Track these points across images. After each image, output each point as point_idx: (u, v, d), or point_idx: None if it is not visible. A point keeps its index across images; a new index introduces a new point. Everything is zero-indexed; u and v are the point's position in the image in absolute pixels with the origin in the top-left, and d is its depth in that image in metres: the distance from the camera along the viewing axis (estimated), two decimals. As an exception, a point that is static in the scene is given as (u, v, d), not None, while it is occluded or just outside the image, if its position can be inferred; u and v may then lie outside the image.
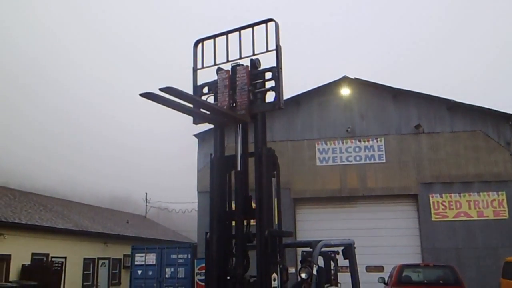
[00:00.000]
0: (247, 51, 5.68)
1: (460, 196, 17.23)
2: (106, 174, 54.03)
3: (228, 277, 5.39)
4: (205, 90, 5.97)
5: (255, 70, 5.66)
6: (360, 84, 18.92)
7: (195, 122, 5.91)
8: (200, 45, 5.99)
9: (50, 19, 68.61)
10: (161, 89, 4.32)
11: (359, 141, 18.38)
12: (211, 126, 6.03)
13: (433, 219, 17.19)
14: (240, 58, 5.70)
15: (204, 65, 5.99)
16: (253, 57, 5.65)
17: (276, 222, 5.60)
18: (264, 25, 5.55)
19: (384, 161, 18.06)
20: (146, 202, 38.26)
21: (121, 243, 24.09)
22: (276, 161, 5.65)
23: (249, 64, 5.63)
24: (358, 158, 18.28)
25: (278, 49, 5.45)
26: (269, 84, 5.69)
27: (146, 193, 38.45)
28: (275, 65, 5.50)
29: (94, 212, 28.48)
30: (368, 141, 18.35)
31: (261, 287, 5.10)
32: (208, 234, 5.56)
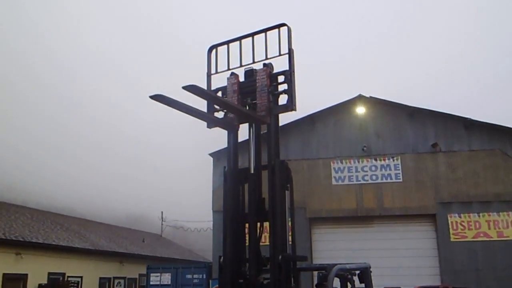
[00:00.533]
0: (260, 55, 5.74)
1: (479, 216, 16.90)
2: (122, 192, 54.35)
3: (241, 280, 5.37)
4: (219, 94, 6.01)
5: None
6: (376, 103, 18.84)
7: (209, 126, 5.91)
8: (214, 50, 6.06)
9: (63, 48, 70.02)
10: (184, 87, 4.36)
11: (375, 160, 18.23)
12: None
13: (451, 239, 16.86)
14: (253, 62, 5.76)
15: (218, 70, 6.05)
16: (266, 61, 5.69)
17: (290, 242, 5.53)
18: (276, 30, 5.61)
19: (401, 180, 17.85)
20: (162, 220, 38.33)
21: (137, 262, 24.09)
22: (289, 173, 5.62)
23: (268, 66, 5.67)
24: (374, 177, 18.10)
25: (290, 53, 5.50)
26: (281, 87, 5.75)
27: (162, 212, 38.56)
28: (287, 68, 5.55)
29: (110, 231, 28.60)
30: (384, 160, 18.19)
31: None
32: (222, 257, 5.52)
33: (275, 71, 5.75)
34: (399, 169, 17.96)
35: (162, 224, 38.36)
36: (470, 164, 17.45)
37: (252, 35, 5.76)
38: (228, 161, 5.82)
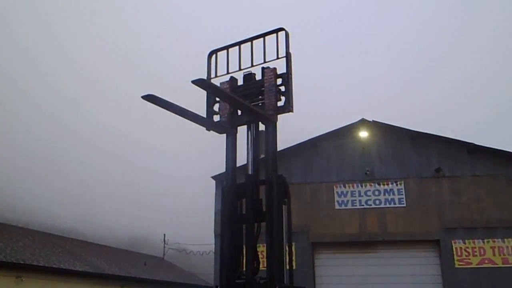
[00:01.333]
0: (258, 59, 5.83)
1: (483, 242, 16.70)
2: (125, 214, 54.17)
3: (238, 280, 5.37)
4: (218, 98, 6.08)
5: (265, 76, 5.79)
6: (378, 127, 18.84)
7: (208, 128, 5.94)
8: (214, 55, 6.16)
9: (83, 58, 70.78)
10: (193, 81, 4.43)
11: (379, 184, 18.13)
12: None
13: (456, 266, 16.63)
14: (252, 66, 5.86)
15: (218, 74, 6.15)
16: (264, 65, 5.76)
17: (288, 267, 5.46)
18: (275, 34, 5.71)
19: (404, 205, 17.72)
20: (164, 243, 38.09)
21: (138, 286, 23.86)
22: (287, 188, 5.58)
23: (274, 68, 5.70)
24: (377, 202, 17.98)
25: (288, 56, 5.59)
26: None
27: (164, 234, 38.32)
28: (285, 71, 5.63)
29: (112, 254, 28.42)
30: (387, 184, 18.09)
31: None
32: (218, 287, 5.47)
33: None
34: (402, 194, 17.84)
35: (164, 246, 38.11)
36: (474, 190, 17.33)
37: (251, 39, 5.87)
38: (226, 170, 5.82)
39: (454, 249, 16.79)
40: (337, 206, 18.23)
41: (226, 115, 5.86)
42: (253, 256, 5.40)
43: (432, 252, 17.31)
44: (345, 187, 18.37)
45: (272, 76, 5.55)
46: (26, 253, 18.87)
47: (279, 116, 5.74)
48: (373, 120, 18.89)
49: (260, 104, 5.64)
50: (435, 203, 17.48)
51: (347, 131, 18.95)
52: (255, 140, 5.75)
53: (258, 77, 5.90)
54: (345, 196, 18.29)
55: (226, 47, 6.04)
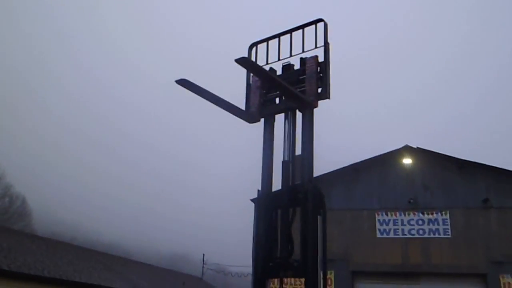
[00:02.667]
0: (297, 50, 5.93)
1: (534, 278, 15.85)
2: (167, 230, 54.94)
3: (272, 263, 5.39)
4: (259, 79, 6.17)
5: (304, 66, 5.87)
6: (423, 154, 18.36)
7: (250, 121, 5.94)
8: (254, 47, 6.29)
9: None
10: (236, 60, 4.46)
11: (423, 213, 17.58)
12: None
13: (504, 302, 15.83)
14: (291, 56, 5.95)
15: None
16: (303, 55, 5.85)
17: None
18: (313, 26, 5.80)
19: (449, 236, 17.08)
20: (203, 263, 38.18)
21: (176, 306, 23.96)
22: (323, 199, 5.49)
23: (317, 55, 5.78)
24: (421, 232, 17.42)
25: (326, 46, 5.66)
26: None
27: (204, 255, 38.45)
28: (323, 60, 5.69)
29: (151, 272, 28.72)
30: (432, 214, 17.52)
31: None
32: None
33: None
34: (447, 224, 17.22)
35: (203, 267, 38.19)
36: (524, 222, 16.54)
37: (290, 31, 5.99)
38: (263, 173, 5.78)
39: (502, 284, 15.98)
40: (378, 235, 17.78)
41: (260, 103, 5.96)
42: (288, 240, 5.43)
43: (479, 286, 16.53)
44: (387, 215, 17.92)
45: (314, 64, 5.68)
46: (69, 269, 19.34)
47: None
48: (417, 147, 18.44)
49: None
50: (482, 235, 16.77)
51: (390, 157, 18.56)
52: (293, 129, 5.79)
53: (297, 67, 6.02)
54: (387, 224, 17.83)
55: (266, 39, 6.20)
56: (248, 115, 5.89)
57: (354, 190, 18.60)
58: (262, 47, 6.25)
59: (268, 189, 5.68)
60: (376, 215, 18.01)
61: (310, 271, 5.09)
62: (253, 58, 6.19)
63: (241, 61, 4.57)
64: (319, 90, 5.63)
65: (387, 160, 18.56)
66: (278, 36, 6.10)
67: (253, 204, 19.42)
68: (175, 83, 4.87)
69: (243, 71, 5.97)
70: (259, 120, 5.86)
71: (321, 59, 5.70)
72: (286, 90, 5.41)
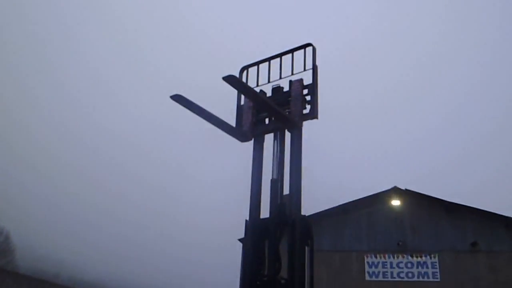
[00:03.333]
0: (286, 73, 6.17)
1: (524, 324, 15.69)
2: (154, 267, 53.90)
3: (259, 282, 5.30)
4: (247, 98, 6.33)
5: (292, 87, 6.05)
6: (412, 196, 18.39)
7: (242, 140, 6.02)
8: (245, 71, 6.48)
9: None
10: (224, 78, 4.62)
11: (412, 256, 17.48)
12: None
13: None
14: (280, 78, 6.12)
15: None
16: (292, 77, 6.04)
17: None
18: (302, 50, 6.04)
19: (438, 279, 16.94)
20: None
21: None
22: (310, 230, 5.47)
23: (300, 79, 6.01)
24: (410, 275, 17.26)
25: (314, 68, 5.88)
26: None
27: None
28: (311, 82, 5.89)
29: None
30: (421, 257, 17.42)
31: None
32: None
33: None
34: (436, 268, 17.11)
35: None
36: (513, 267, 16.49)
37: (280, 55, 6.20)
38: (252, 177, 5.81)
39: (492, 330, 15.80)
40: (367, 277, 17.58)
41: (252, 123, 6.08)
42: (275, 257, 5.38)
43: (468, 332, 16.32)
44: (376, 257, 17.78)
45: (299, 86, 5.90)
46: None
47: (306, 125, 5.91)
48: (406, 189, 18.50)
49: (287, 112, 5.90)
50: (471, 279, 16.66)
51: (379, 198, 18.57)
52: (281, 149, 5.89)
53: (286, 89, 6.22)
54: (376, 267, 17.67)
55: (257, 63, 6.42)
56: (240, 134, 6.00)
57: (343, 231, 18.50)
58: (253, 70, 6.48)
59: (257, 209, 5.72)
60: (365, 257, 17.86)
61: None
62: (243, 80, 6.39)
63: (228, 78, 4.73)
64: (308, 110, 5.82)
65: (376, 201, 18.57)
66: (268, 59, 6.32)
67: (240, 244, 19.24)
68: (170, 98, 5.02)
69: (232, 96, 6.17)
70: (251, 139, 5.99)
71: (310, 81, 5.92)
72: (271, 109, 5.57)
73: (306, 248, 5.39)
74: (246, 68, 6.50)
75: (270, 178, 5.81)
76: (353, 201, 18.65)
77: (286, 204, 5.61)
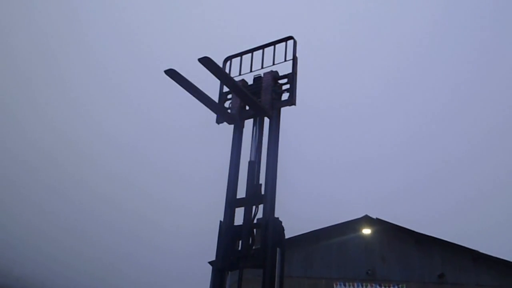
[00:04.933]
0: (267, 63, 6.49)
1: None
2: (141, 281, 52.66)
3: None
4: (229, 96, 6.62)
5: (273, 76, 6.38)
6: (382, 225, 18.59)
7: (218, 121, 6.35)
8: (228, 61, 6.76)
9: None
10: (199, 60, 4.89)
11: (380, 285, 17.55)
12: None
13: None
14: (262, 68, 6.42)
15: (231, 76, 6.60)
16: (273, 68, 6.36)
17: None
18: (284, 42, 6.39)
19: (406, 310, 17.04)
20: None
21: None
22: (283, 233, 5.59)
23: (272, 72, 6.37)
24: (378, 304, 17.31)
25: (294, 59, 6.24)
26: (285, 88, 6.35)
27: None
28: (291, 71, 6.25)
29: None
30: (389, 286, 17.50)
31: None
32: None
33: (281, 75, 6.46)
34: (404, 298, 17.21)
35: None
36: (478, 300, 16.71)
37: (262, 47, 6.51)
38: (231, 159, 6.07)
39: None
40: (336, 305, 17.56)
41: (236, 108, 6.38)
42: (249, 234, 5.58)
43: None
44: (345, 285, 17.79)
45: (270, 78, 6.26)
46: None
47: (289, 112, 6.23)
48: (376, 218, 18.70)
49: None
50: (437, 311, 16.79)
51: (350, 226, 18.71)
52: (259, 133, 6.19)
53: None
54: (345, 295, 17.67)
55: (240, 54, 6.69)
56: (228, 116, 6.24)
57: (313, 258, 18.50)
58: (236, 61, 6.74)
59: (234, 189, 5.93)
60: (335, 285, 17.85)
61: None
62: (226, 70, 6.67)
63: (203, 60, 4.98)
64: (287, 97, 6.17)
65: (347, 228, 18.68)
66: (251, 51, 6.63)
67: (210, 267, 19.01)
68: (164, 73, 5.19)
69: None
70: (238, 122, 6.24)
71: (289, 70, 6.30)
72: (243, 95, 5.85)
73: (278, 249, 5.46)
74: (229, 58, 6.77)
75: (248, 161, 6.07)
76: (324, 228, 18.74)
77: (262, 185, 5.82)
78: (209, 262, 19.09)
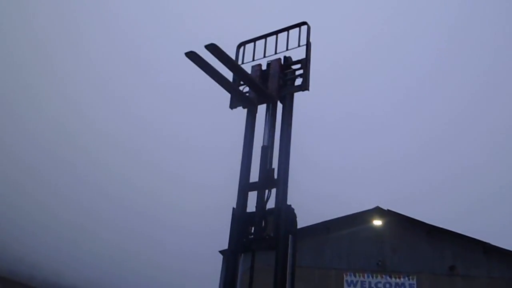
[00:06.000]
0: (281, 49, 6.48)
1: None
2: (129, 280, 53.09)
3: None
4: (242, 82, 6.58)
5: (287, 62, 6.38)
6: (393, 217, 18.56)
7: (232, 106, 6.39)
8: (242, 47, 6.77)
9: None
10: (206, 46, 4.98)
11: (390, 276, 17.56)
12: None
13: None
14: (276, 53, 6.42)
15: (244, 62, 6.66)
16: (286, 53, 6.36)
17: None
18: (297, 28, 6.36)
19: (415, 301, 17.04)
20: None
21: None
22: (295, 220, 5.61)
23: (280, 59, 6.38)
24: (388, 295, 17.32)
25: (308, 45, 6.20)
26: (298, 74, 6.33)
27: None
28: (304, 57, 6.22)
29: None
30: (399, 277, 17.50)
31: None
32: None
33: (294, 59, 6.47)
34: (414, 289, 17.20)
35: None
36: (489, 292, 16.65)
37: (276, 33, 6.50)
38: (244, 144, 6.09)
39: None
40: (346, 296, 17.60)
41: (252, 93, 6.38)
42: (262, 217, 5.63)
43: None
44: (355, 276, 17.82)
45: (277, 65, 6.28)
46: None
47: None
48: (388, 209, 18.65)
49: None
50: (448, 303, 16.77)
51: (361, 218, 18.70)
52: (273, 119, 6.20)
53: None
54: (355, 285, 17.70)
55: (254, 40, 6.68)
56: (246, 100, 6.25)
57: (324, 249, 18.54)
58: (249, 47, 6.73)
59: (247, 173, 5.96)
60: (345, 276, 17.90)
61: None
62: (240, 55, 6.70)
63: (210, 47, 5.03)
64: (300, 82, 6.16)
65: (358, 220, 18.68)
66: (265, 36, 6.62)
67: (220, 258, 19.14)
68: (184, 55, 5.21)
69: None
70: (256, 105, 6.25)
71: (303, 56, 6.27)
72: (248, 80, 5.90)
73: (290, 236, 5.49)
74: (243, 44, 6.78)
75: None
76: (335, 219, 18.75)
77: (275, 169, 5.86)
78: (220, 251, 19.25)
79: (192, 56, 5.21)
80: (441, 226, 18.01)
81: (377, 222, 18.57)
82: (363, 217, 18.70)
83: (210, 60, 5.35)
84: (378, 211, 18.69)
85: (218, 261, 19.23)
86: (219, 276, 18.86)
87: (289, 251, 5.40)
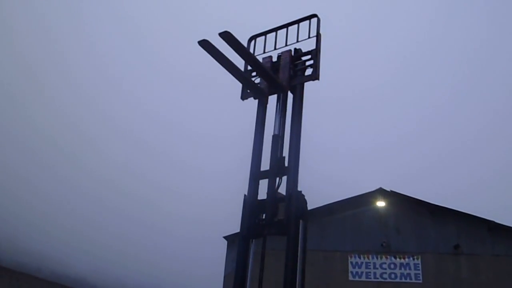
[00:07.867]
0: (291, 41, 6.58)
1: (504, 325, 15.91)
2: (135, 270, 53.43)
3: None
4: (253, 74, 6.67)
5: (297, 54, 6.42)
6: (396, 197, 18.56)
7: (243, 97, 6.48)
8: (253, 40, 6.86)
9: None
10: (220, 34, 4.99)
11: (395, 257, 17.62)
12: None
13: None
14: (286, 45, 6.48)
15: (255, 54, 6.70)
16: (297, 45, 6.41)
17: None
18: (308, 20, 6.40)
19: (420, 281, 17.10)
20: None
21: None
22: (305, 206, 5.62)
23: (291, 51, 6.41)
24: (393, 276, 17.39)
25: (318, 36, 6.25)
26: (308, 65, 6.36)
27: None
28: (314, 48, 6.26)
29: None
30: (404, 258, 17.57)
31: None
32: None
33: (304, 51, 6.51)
34: (419, 269, 17.27)
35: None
36: (494, 270, 16.70)
37: (286, 25, 6.56)
38: (256, 133, 6.16)
39: (472, 331, 15.99)
40: (351, 277, 17.68)
41: (264, 83, 6.45)
42: (273, 204, 5.70)
43: (449, 333, 16.49)
44: (360, 257, 17.89)
45: (288, 56, 6.34)
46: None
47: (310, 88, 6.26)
48: (391, 190, 18.65)
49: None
50: (452, 281, 16.84)
51: (364, 199, 18.70)
52: (283, 108, 6.26)
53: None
54: (360, 267, 17.77)
55: (265, 33, 6.75)
56: (257, 91, 6.29)
57: (328, 231, 18.57)
58: (260, 40, 6.78)
59: (258, 162, 6.02)
60: (349, 257, 17.96)
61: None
62: (251, 48, 6.75)
63: (223, 35, 5.04)
64: (310, 72, 6.20)
65: (361, 201, 18.69)
66: (275, 29, 6.66)
67: (225, 243, 19.24)
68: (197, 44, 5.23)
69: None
70: (267, 96, 6.29)
71: (313, 47, 6.29)
72: (260, 69, 5.91)
73: (301, 222, 5.51)
74: (254, 37, 6.84)
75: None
76: (339, 201, 18.76)
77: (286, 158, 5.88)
78: (224, 237, 19.33)
79: (205, 44, 5.20)
80: (444, 206, 18.01)
81: (381, 204, 18.57)
82: (366, 198, 18.70)
83: (222, 50, 5.36)
84: (381, 192, 18.68)
85: (222, 247, 19.35)
86: (224, 260, 18.99)
87: (300, 236, 5.44)
